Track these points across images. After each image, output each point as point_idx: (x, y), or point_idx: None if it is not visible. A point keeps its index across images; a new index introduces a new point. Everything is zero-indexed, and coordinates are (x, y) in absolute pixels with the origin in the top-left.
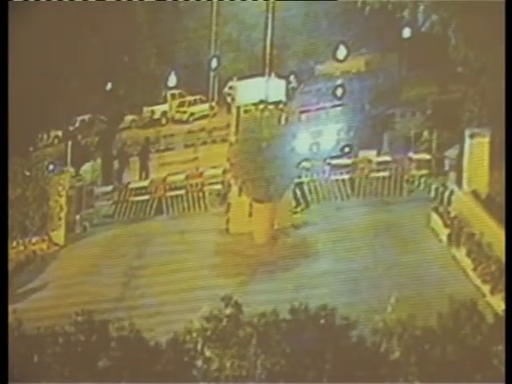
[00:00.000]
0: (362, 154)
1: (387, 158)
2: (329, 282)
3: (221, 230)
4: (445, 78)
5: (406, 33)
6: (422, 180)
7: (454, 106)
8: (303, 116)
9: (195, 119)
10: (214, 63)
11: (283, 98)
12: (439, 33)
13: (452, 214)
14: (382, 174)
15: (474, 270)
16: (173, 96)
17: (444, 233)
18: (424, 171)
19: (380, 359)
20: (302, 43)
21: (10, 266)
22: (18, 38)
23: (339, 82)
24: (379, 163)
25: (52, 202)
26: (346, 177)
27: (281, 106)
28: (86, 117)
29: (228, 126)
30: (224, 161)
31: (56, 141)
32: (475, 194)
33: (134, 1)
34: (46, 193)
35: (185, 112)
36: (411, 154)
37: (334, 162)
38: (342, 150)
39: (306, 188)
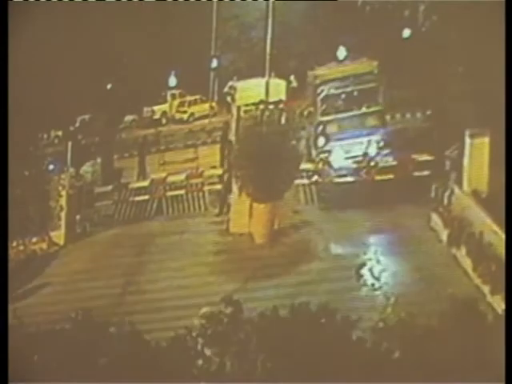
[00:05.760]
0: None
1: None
2: (329, 281)
3: (221, 230)
4: (445, 78)
5: (406, 33)
6: (422, 180)
7: (454, 106)
8: (303, 116)
9: (195, 119)
10: (214, 63)
11: (283, 97)
12: (439, 33)
13: (452, 214)
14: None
15: (474, 270)
16: (173, 96)
17: (444, 233)
18: (424, 171)
19: (380, 359)
20: (302, 43)
21: (10, 266)
22: (18, 38)
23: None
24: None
25: (52, 202)
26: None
27: (281, 105)
28: (86, 117)
29: (228, 125)
30: (224, 161)
31: (56, 141)
32: (475, 193)
33: (134, 1)
34: (46, 193)
35: (185, 112)
36: (412, 155)
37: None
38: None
39: (306, 188)
